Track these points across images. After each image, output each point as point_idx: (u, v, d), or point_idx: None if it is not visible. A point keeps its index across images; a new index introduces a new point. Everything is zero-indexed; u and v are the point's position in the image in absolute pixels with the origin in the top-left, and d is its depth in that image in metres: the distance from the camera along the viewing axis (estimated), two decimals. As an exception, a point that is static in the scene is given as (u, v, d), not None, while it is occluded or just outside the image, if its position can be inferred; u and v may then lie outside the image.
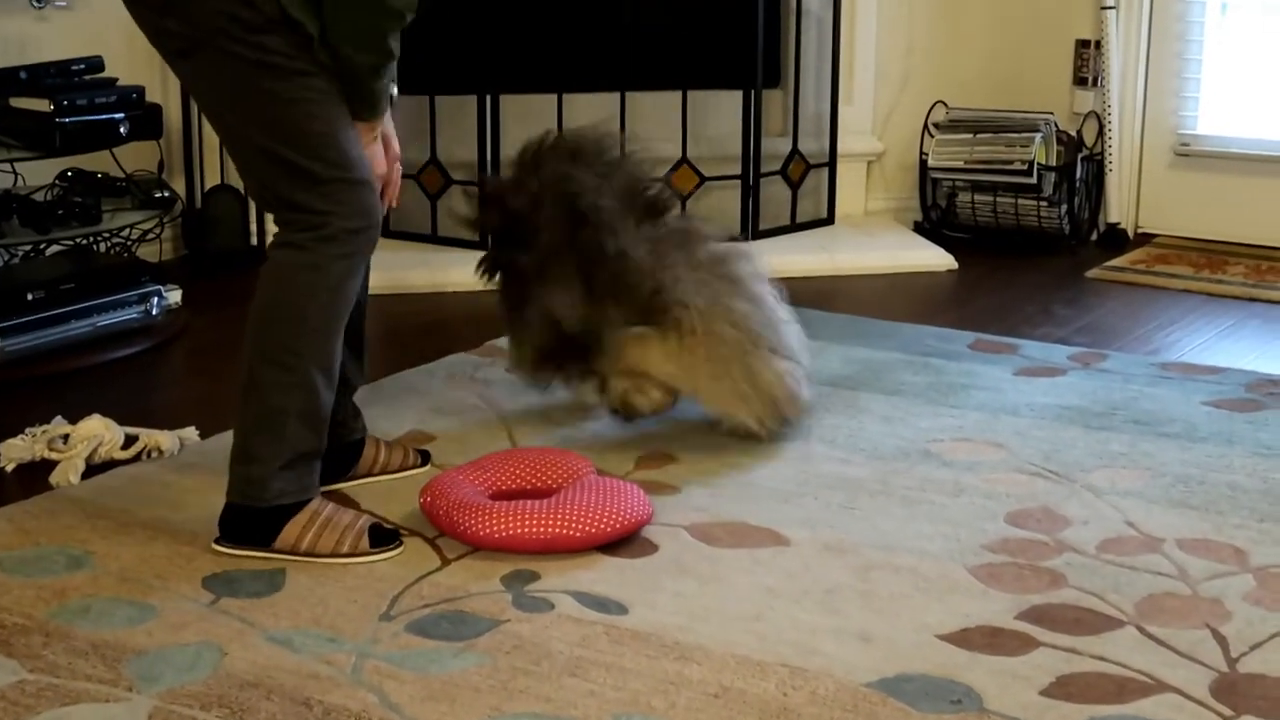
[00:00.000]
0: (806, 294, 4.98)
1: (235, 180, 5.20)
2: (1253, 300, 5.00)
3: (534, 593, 2.81)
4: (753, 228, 5.55)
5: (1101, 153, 5.80)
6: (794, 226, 5.72)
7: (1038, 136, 5.61)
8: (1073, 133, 5.75)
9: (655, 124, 5.56)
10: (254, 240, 5.25)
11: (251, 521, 2.93)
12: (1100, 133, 5.80)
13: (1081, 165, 5.71)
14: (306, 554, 2.91)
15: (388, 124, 3.09)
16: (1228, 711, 2.43)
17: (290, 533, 2.92)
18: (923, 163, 5.88)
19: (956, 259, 5.44)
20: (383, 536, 2.96)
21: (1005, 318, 4.76)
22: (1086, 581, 2.88)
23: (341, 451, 3.24)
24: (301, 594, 2.80)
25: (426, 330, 4.57)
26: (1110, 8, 5.74)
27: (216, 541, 2.96)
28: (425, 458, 3.43)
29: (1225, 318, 4.79)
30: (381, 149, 3.07)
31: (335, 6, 2.80)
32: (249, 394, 2.93)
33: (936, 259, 5.46)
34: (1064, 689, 2.49)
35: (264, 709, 2.42)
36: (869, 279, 5.29)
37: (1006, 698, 2.46)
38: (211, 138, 5.14)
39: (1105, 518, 3.18)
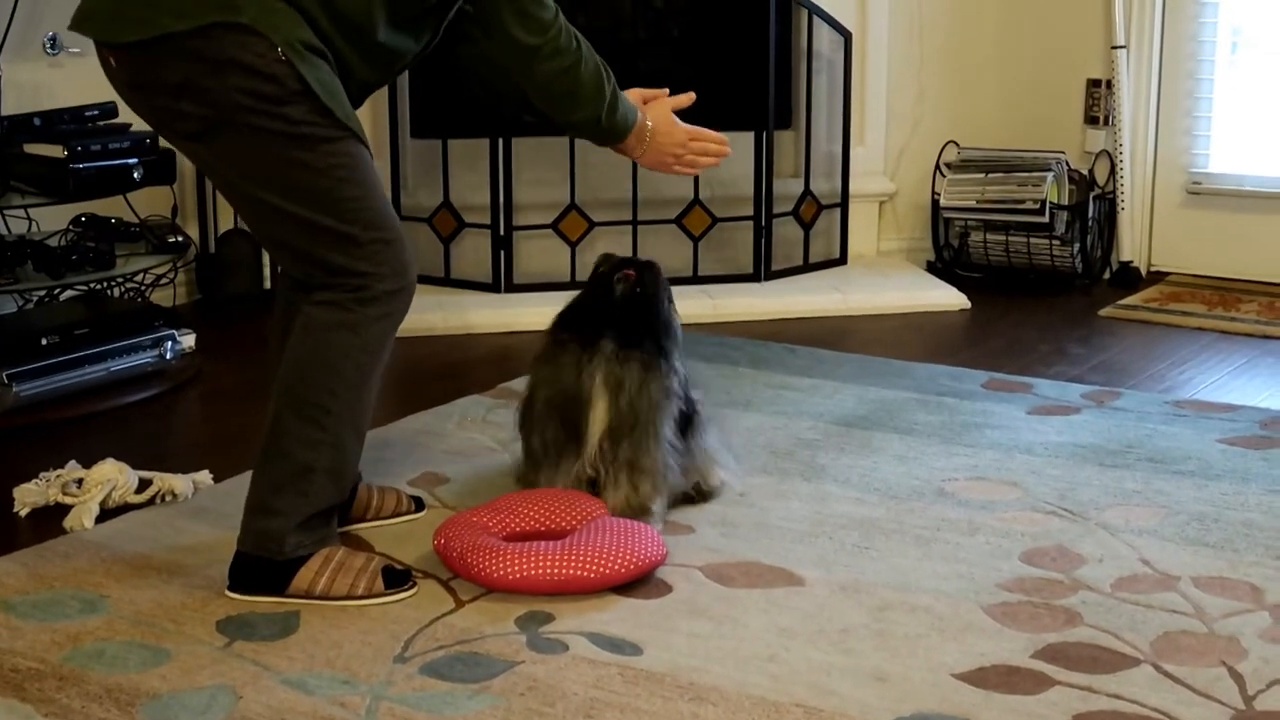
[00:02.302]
0: (819, 334, 5.00)
1: (249, 225, 5.22)
2: (1266, 338, 5.00)
3: (548, 634, 2.81)
4: (765, 268, 5.56)
5: (1114, 191, 5.80)
6: (806, 267, 5.72)
7: (1050, 176, 5.62)
8: (1085, 172, 5.76)
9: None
10: (267, 284, 5.27)
11: (265, 571, 2.93)
12: (1112, 171, 5.80)
13: (1094, 204, 5.71)
14: (321, 597, 2.91)
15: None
16: (1245, 750, 2.43)
17: (304, 577, 2.91)
18: (935, 202, 5.89)
19: (969, 298, 5.44)
20: (396, 578, 2.96)
21: (1019, 357, 4.76)
22: (1102, 620, 2.87)
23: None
24: (315, 637, 2.80)
25: (440, 373, 4.57)
26: (1121, 47, 5.75)
27: (230, 589, 2.96)
28: (419, 504, 3.42)
29: (1238, 355, 4.79)
30: (674, 131, 3.36)
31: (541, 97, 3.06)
32: (275, 447, 2.91)
33: (949, 298, 5.46)
34: (1080, 728, 2.49)
35: (278, 752, 2.41)
36: (882, 319, 5.29)
37: (1023, 737, 2.45)
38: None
39: (1120, 556, 3.17)
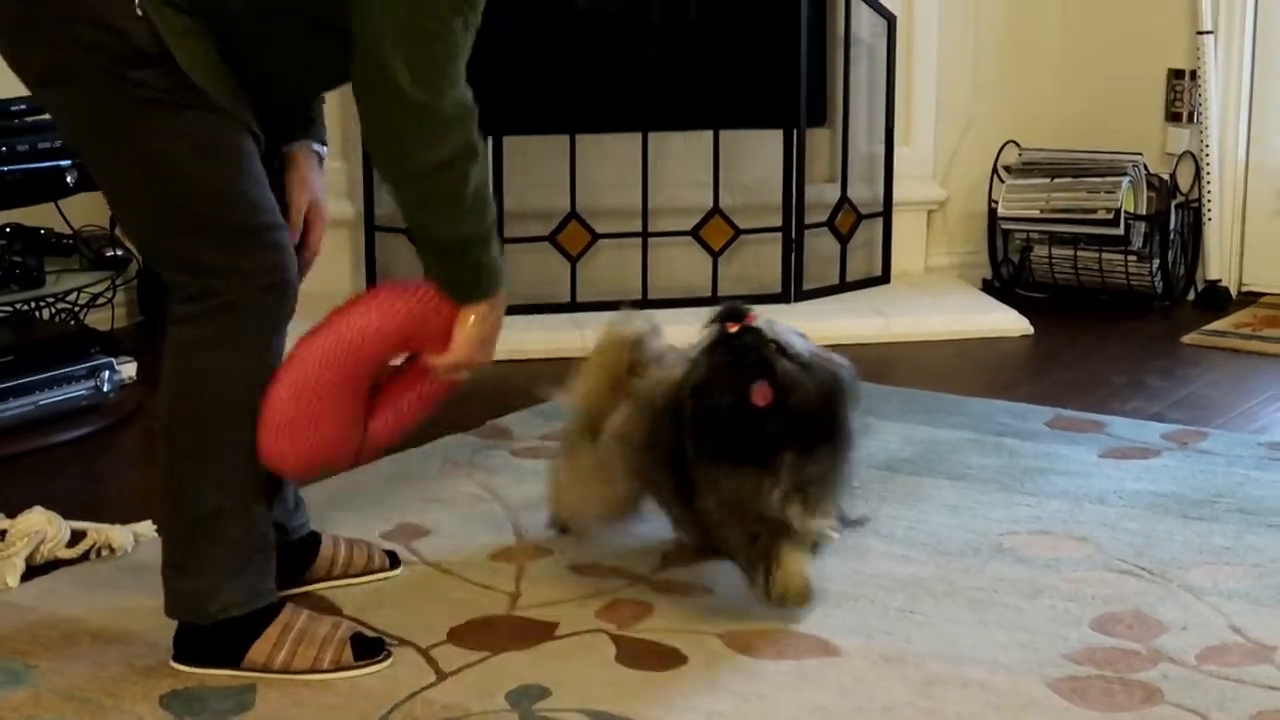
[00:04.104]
0: (859, 364, 4.99)
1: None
2: (1375, 368, 5.01)
3: (544, 712, 2.80)
4: (796, 287, 5.57)
5: (1199, 199, 5.81)
6: (843, 286, 5.73)
7: (1125, 181, 5.63)
8: (1165, 176, 5.77)
9: (684, 169, 5.59)
10: (221, 305, 5.27)
11: (207, 639, 2.93)
12: (1197, 176, 5.81)
13: (1176, 214, 5.72)
14: (281, 671, 2.90)
15: (315, 181, 3.13)
16: None
17: (261, 649, 2.91)
18: (992, 212, 5.90)
19: (1032, 322, 5.44)
20: (367, 647, 2.96)
21: (1089, 390, 4.76)
22: (1186, 697, 2.86)
23: (287, 554, 3.17)
24: (274, 714, 2.80)
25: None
26: (1208, 32, 5.77)
27: (174, 659, 2.96)
28: (394, 560, 3.41)
29: (1343, 389, 4.80)
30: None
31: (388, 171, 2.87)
32: (171, 499, 2.91)
33: (1009, 323, 5.47)
34: (1161, 823, 2.49)
35: None
36: (931, 346, 5.30)
37: (1094, 833, 2.45)
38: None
39: (1207, 622, 3.17)
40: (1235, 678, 2.94)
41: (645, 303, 5.44)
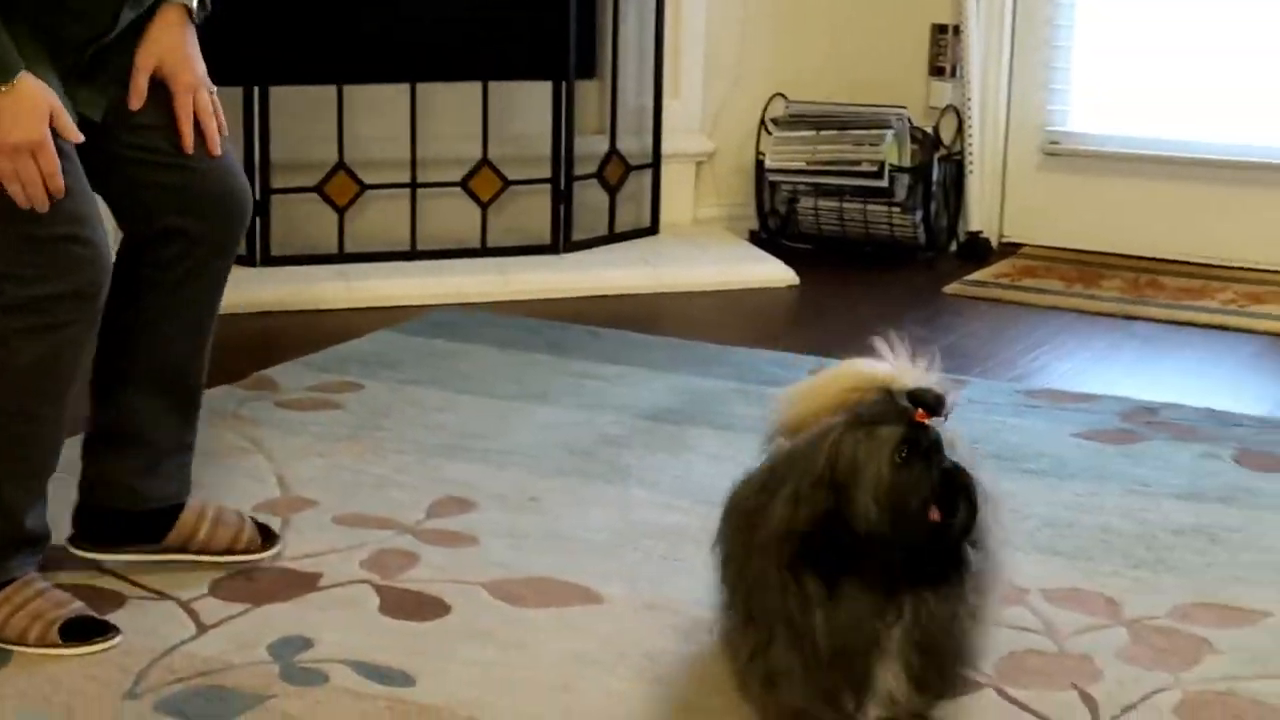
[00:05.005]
0: (627, 315, 5.02)
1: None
2: (1130, 319, 5.11)
3: (306, 663, 2.79)
4: (565, 238, 5.57)
5: (961, 152, 5.89)
6: (613, 237, 5.75)
7: (889, 134, 5.69)
8: (929, 129, 5.84)
9: (452, 121, 5.56)
10: None
11: None
12: (960, 130, 5.89)
13: (938, 166, 5.79)
14: None
15: (170, 40, 2.86)
16: (1097, 783, 2.48)
17: None
18: (759, 164, 5.93)
19: (798, 273, 5.49)
20: (81, 631, 2.87)
21: (853, 340, 4.73)
22: (941, 639, 2.92)
23: (145, 521, 3.10)
24: (29, 670, 2.75)
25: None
26: (969, -12, 5.84)
27: None
28: (268, 536, 3.22)
29: (1099, 338, 4.90)
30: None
31: None
32: None
33: (776, 273, 5.52)
34: (915, 762, 2.53)
35: (-16, 806, 2.38)
36: (698, 296, 5.33)
37: (850, 773, 2.49)
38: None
39: (963, 566, 3.22)
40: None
41: (414, 254, 5.42)
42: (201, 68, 2.92)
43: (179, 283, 2.96)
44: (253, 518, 3.23)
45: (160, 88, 2.88)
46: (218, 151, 2.92)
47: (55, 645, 2.83)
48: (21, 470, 2.86)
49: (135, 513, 3.10)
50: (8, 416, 2.77)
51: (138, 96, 2.86)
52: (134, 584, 3.06)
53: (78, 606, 2.91)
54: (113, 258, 2.81)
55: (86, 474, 3.12)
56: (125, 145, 2.88)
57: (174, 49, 2.87)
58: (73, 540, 3.13)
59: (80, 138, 2.71)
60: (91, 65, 2.82)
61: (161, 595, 3.02)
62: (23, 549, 2.91)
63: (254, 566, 3.15)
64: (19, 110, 2.61)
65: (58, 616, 2.86)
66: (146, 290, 2.96)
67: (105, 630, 2.89)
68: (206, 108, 2.90)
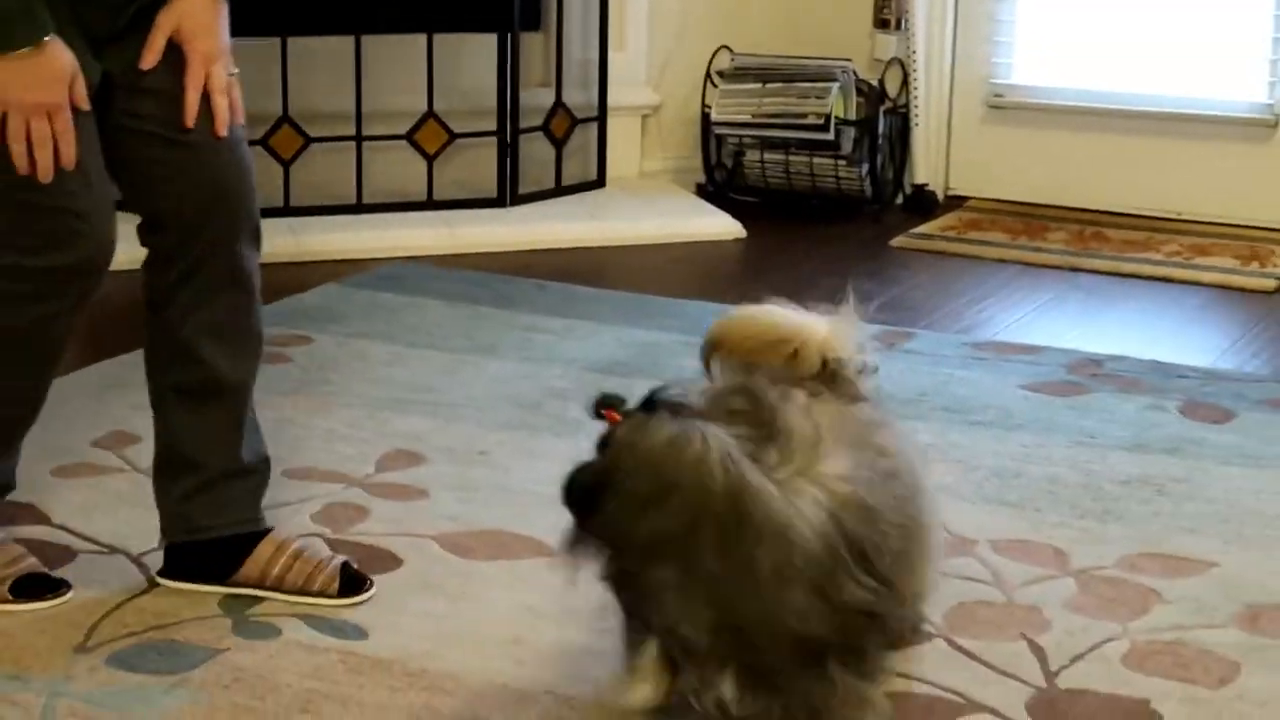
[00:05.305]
0: (574, 268, 5.02)
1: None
2: (1075, 270, 5.14)
3: (257, 617, 2.79)
4: (511, 191, 5.57)
5: (906, 105, 5.90)
6: (559, 190, 5.74)
7: (834, 87, 5.70)
8: (874, 82, 5.85)
9: (397, 74, 5.54)
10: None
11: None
12: (905, 82, 5.90)
13: (884, 119, 5.80)
14: None
15: (196, 10, 2.74)
16: (1047, 732, 2.51)
17: None
18: (705, 117, 5.93)
19: (744, 226, 5.50)
20: (32, 587, 2.86)
21: (800, 292, 4.74)
22: (890, 590, 2.93)
23: (205, 550, 2.90)
24: (-19, 625, 2.76)
25: (129, 312, 4.48)
26: (915, -60, 5.84)
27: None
28: (355, 584, 2.91)
29: (1045, 291, 4.92)
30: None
31: None
32: None
33: (722, 226, 5.52)
34: (865, 712, 2.54)
35: (-64, 761, 2.38)
36: (645, 250, 5.33)
37: (801, 723, 2.50)
38: None
39: (911, 518, 3.24)
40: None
41: (360, 207, 5.40)
42: (225, 43, 2.80)
43: (185, 278, 2.80)
44: (348, 563, 2.94)
45: (178, 57, 2.74)
46: (223, 132, 2.78)
47: (6, 601, 2.83)
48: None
49: (196, 544, 2.90)
50: None
51: (153, 53, 2.71)
52: (85, 538, 3.06)
53: (30, 564, 2.90)
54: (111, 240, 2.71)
55: (156, 503, 2.96)
56: (127, 114, 2.73)
57: (196, 14, 2.75)
58: (160, 573, 2.95)
59: (88, 105, 2.62)
60: (129, 24, 2.72)
61: (112, 550, 3.02)
62: None
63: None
64: (42, 72, 2.56)
65: (7, 575, 2.85)
66: (166, 292, 2.83)
67: (57, 587, 2.88)
68: (220, 83, 2.77)
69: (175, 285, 2.80)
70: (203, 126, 2.75)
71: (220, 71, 2.77)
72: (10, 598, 2.82)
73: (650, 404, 2.31)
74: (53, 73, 2.57)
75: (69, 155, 2.59)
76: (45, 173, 2.57)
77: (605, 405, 2.35)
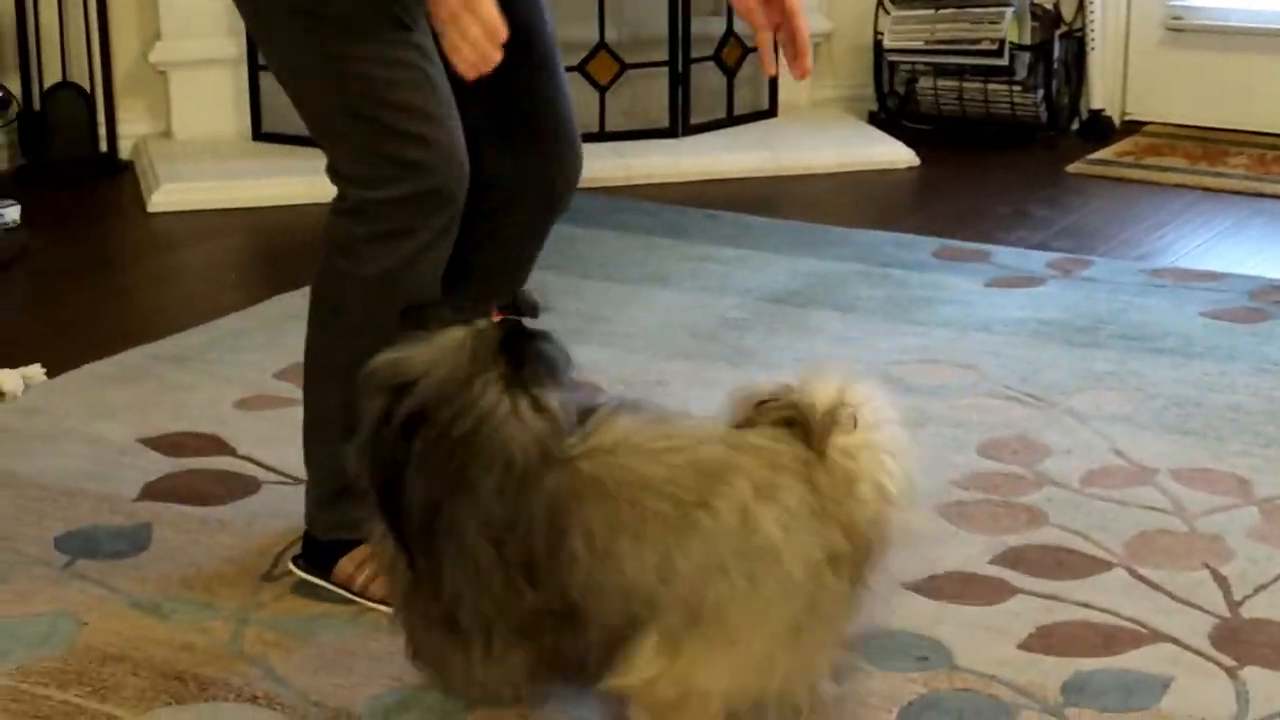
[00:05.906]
0: (746, 198, 5.01)
1: (79, 76, 5.17)
2: (1257, 195, 5.06)
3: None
4: (683, 122, 5.56)
5: (1082, 29, 5.83)
6: (731, 120, 5.72)
7: (1009, 11, 5.64)
8: (1049, 6, 5.78)
9: (569, 4, 5.54)
10: (103, 146, 5.22)
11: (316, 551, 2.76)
12: (1080, 6, 5.83)
13: (1059, 43, 5.74)
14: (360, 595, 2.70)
15: None
16: (1229, 662, 2.48)
17: (344, 568, 2.72)
18: (878, 44, 5.89)
19: (918, 154, 5.46)
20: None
21: (975, 221, 4.79)
22: (1069, 519, 2.92)
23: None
24: (169, 554, 2.80)
25: (311, 245, 4.53)
26: None
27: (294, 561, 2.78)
28: None
29: (1225, 216, 4.85)
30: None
31: None
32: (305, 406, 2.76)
33: (895, 154, 5.49)
34: (1044, 641, 2.54)
35: (130, 685, 2.43)
36: (818, 179, 5.31)
37: (979, 653, 2.50)
38: (51, 29, 5.11)
39: (1090, 446, 3.22)
40: (1117, 499, 3.00)
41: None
42: None
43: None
44: None
45: None
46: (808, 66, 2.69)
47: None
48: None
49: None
50: (356, 331, 2.58)
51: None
52: (269, 469, 3.11)
53: None
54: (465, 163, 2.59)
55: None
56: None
57: None
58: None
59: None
60: None
61: (297, 480, 3.06)
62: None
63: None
64: None
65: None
66: None
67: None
68: (802, 33, 2.70)
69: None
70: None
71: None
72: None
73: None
74: None
75: (496, 35, 2.37)
76: (486, 62, 2.38)
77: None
